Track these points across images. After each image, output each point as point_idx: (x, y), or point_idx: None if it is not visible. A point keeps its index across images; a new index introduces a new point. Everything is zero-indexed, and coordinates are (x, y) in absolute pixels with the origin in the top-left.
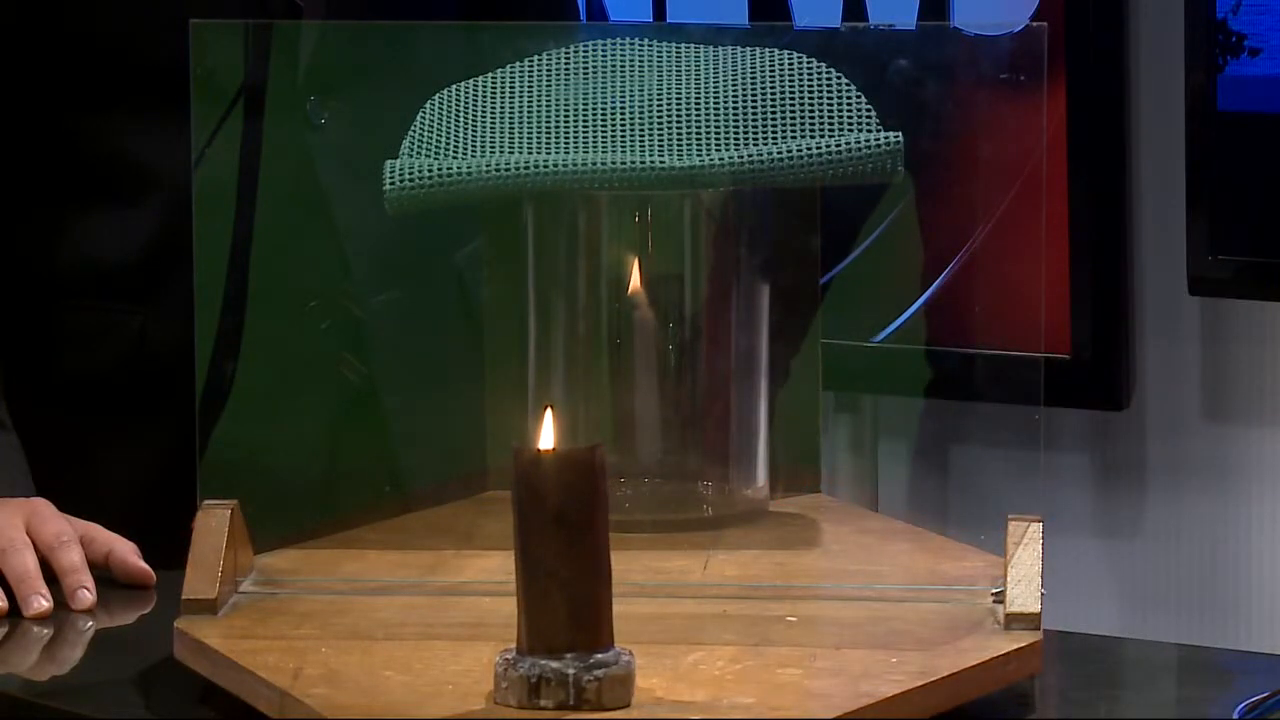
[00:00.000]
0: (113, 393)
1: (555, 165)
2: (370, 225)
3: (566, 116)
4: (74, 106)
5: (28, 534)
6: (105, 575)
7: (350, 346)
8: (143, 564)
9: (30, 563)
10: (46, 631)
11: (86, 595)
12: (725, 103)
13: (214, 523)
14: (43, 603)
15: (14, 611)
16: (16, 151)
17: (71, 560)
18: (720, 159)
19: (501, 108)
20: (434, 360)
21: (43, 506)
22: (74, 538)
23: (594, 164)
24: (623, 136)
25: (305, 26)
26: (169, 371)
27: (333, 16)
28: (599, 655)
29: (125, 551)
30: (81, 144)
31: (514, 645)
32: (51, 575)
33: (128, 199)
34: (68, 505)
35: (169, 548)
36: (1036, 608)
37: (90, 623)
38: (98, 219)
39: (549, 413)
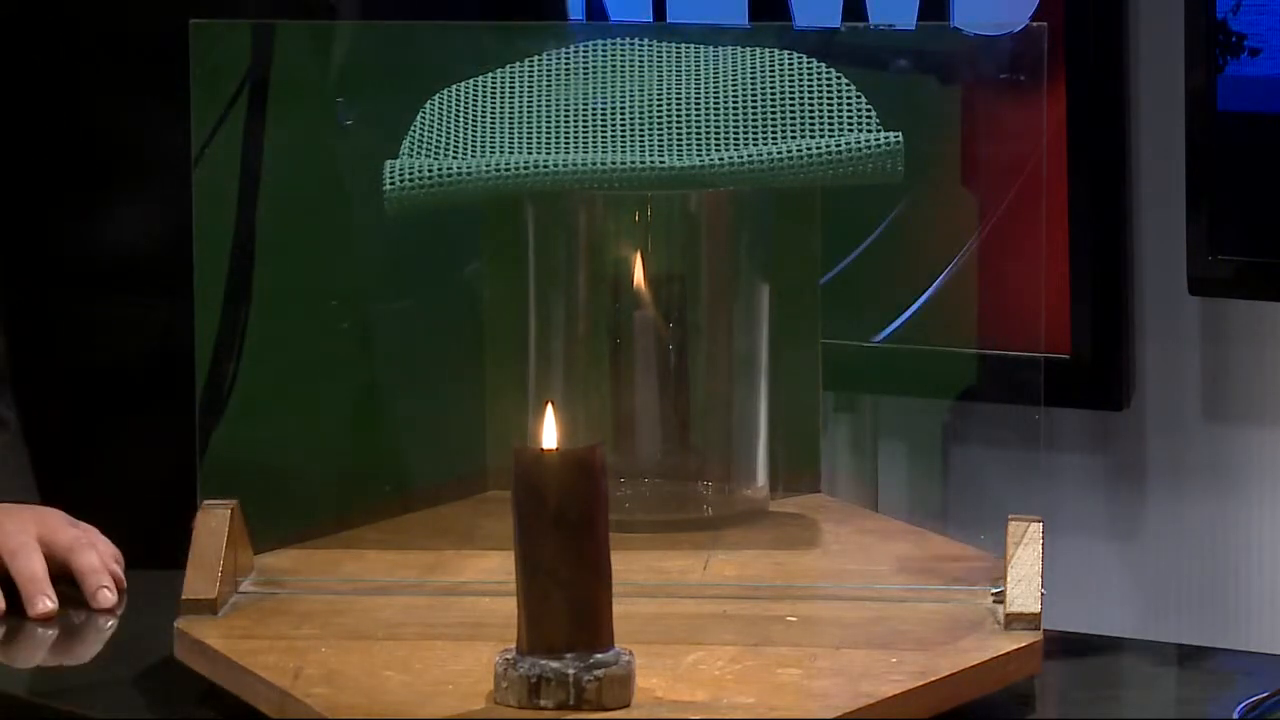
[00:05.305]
0: (126, 387)
1: (555, 165)
2: (371, 226)
3: (566, 116)
4: (91, 94)
5: (43, 541)
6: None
7: (350, 347)
8: (112, 598)
9: (39, 566)
10: (48, 632)
11: (109, 595)
12: (725, 103)
13: (214, 523)
14: (48, 603)
15: (17, 612)
16: (35, 141)
17: (90, 562)
18: (720, 159)
19: (501, 108)
20: (434, 360)
21: (54, 515)
22: (90, 541)
23: (594, 164)
24: (623, 136)
25: (305, 27)
26: (180, 366)
27: (366, 17)
28: (599, 655)
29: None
30: (98, 134)
31: (514, 645)
32: (56, 578)
33: (146, 189)
34: (74, 502)
35: (170, 547)
36: (1036, 608)
37: (91, 623)
38: (118, 211)
39: (550, 409)
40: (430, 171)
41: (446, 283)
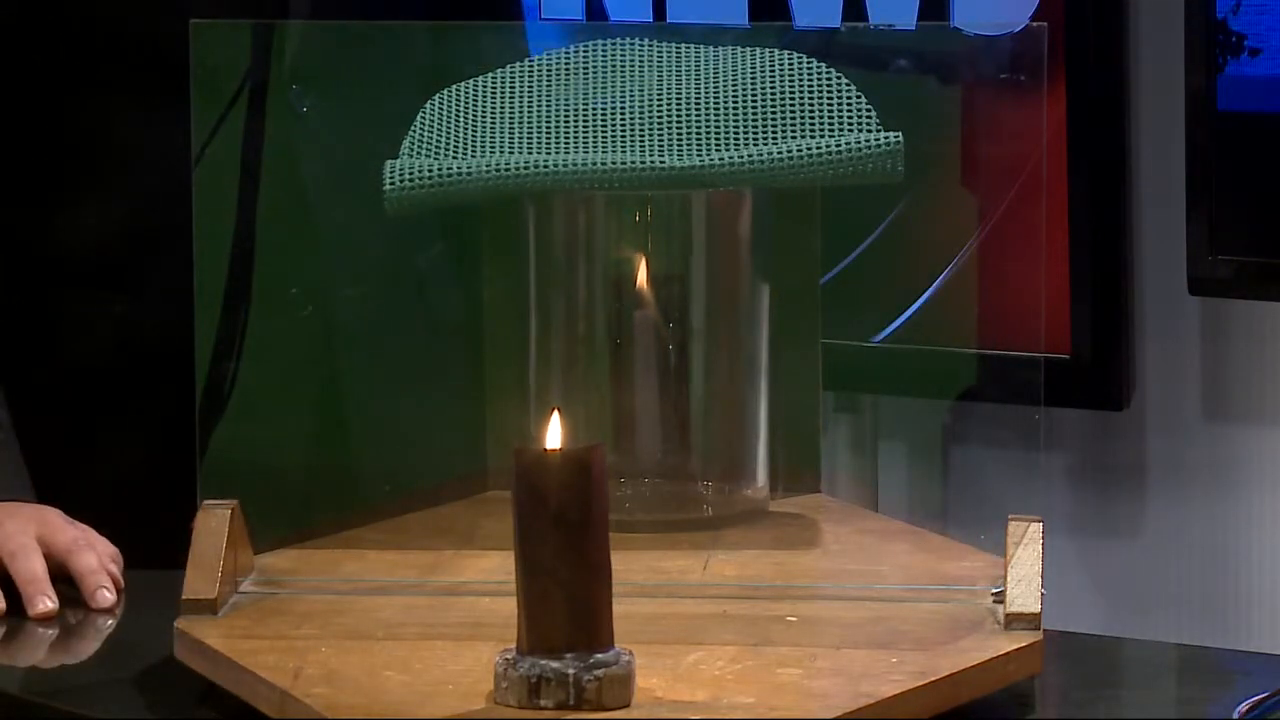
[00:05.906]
0: (125, 387)
1: (555, 165)
2: (368, 225)
3: (567, 116)
4: (90, 94)
5: (43, 541)
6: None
7: (348, 346)
8: (110, 598)
9: (39, 566)
10: (48, 632)
11: (107, 595)
12: (725, 103)
13: (214, 523)
14: (48, 603)
15: (17, 612)
16: (32, 140)
17: (89, 563)
18: (720, 159)
19: (502, 108)
20: (435, 360)
21: (53, 515)
22: (89, 542)
23: (594, 164)
24: (623, 136)
25: (302, 25)
26: (179, 366)
27: (316, 16)
28: (599, 655)
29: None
30: (96, 134)
31: (514, 645)
32: (55, 578)
33: (144, 189)
34: (72, 502)
35: (169, 547)
36: (1036, 608)
37: (90, 623)
38: (116, 209)
39: (555, 415)
40: (430, 171)
41: (447, 282)
